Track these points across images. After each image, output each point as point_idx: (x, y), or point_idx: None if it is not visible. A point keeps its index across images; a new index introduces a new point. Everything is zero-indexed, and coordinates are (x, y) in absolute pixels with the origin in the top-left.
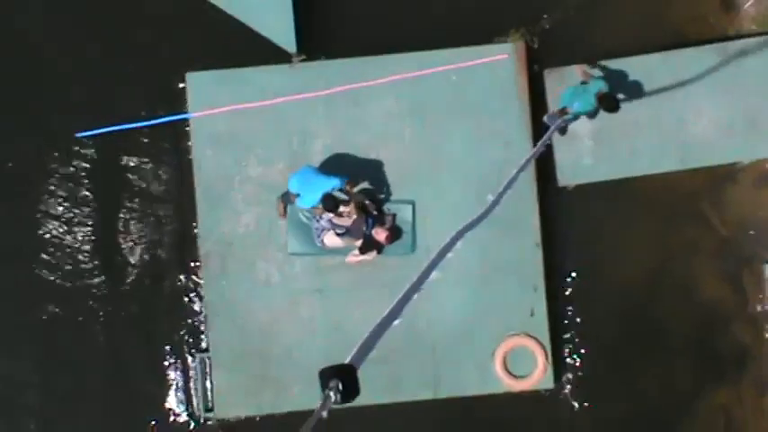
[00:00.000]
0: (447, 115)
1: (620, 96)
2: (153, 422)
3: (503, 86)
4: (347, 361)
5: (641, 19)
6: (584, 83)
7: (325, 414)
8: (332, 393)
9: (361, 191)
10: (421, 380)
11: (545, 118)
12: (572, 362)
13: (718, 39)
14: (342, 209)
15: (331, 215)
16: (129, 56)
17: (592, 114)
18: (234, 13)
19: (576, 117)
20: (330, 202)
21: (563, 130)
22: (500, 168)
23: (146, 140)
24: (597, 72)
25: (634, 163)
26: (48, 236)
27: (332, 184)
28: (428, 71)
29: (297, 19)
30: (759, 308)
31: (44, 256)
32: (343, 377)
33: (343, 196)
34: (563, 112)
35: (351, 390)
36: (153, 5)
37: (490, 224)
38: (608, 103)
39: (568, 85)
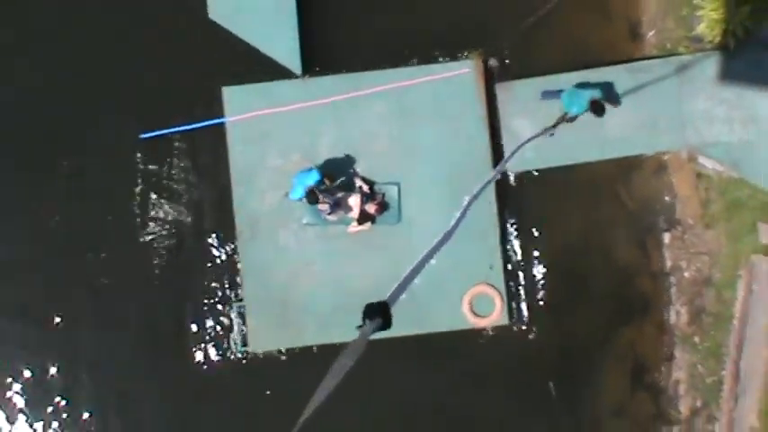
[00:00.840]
0: (423, 117)
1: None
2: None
3: (466, 94)
4: (386, 298)
5: (571, 44)
6: (578, 86)
7: (366, 339)
8: (372, 325)
9: (356, 175)
10: (406, 320)
11: (546, 130)
12: (521, 305)
13: (629, 60)
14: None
15: (327, 202)
16: (174, 74)
17: (572, 119)
18: (254, 43)
19: (573, 119)
20: (312, 198)
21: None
22: (464, 157)
23: (192, 140)
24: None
25: (566, 154)
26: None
27: (312, 178)
28: (408, 83)
29: (301, 45)
30: (659, 266)
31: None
32: (378, 314)
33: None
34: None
35: (386, 322)
36: (192, 35)
37: (459, 201)
38: (597, 108)
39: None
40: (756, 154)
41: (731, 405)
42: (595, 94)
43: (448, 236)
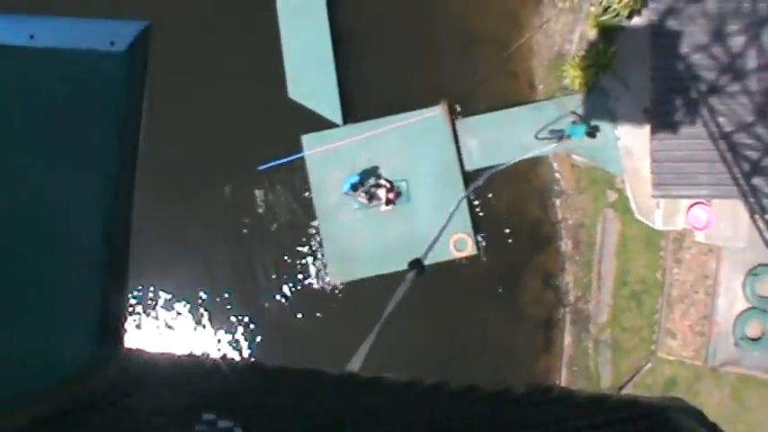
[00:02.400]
0: (417, 141)
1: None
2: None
3: (439, 127)
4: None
5: (496, 94)
6: (574, 122)
7: (411, 280)
8: (414, 274)
9: (382, 177)
10: (416, 255)
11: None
12: (481, 244)
13: (528, 101)
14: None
15: (366, 195)
16: (273, 131)
17: (562, 137)
18: (316, 110)
19: (567, 138)
20: (356, 185)
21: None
22: (442, 163)
23: (285, 169)
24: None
25: (499, 158)
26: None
27: (352, 179)
28: (405, 122)
29: (342, 108)
30: (554, 218)
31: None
32: (417, 264)
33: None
34: (561, 137)
35: (422, 271)
36: (281, 107)
37: (443, 185)
38: (592, 135)
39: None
40: (602, 152)
41: (597, 293)
42: (585, 126)
43: (450, 217)
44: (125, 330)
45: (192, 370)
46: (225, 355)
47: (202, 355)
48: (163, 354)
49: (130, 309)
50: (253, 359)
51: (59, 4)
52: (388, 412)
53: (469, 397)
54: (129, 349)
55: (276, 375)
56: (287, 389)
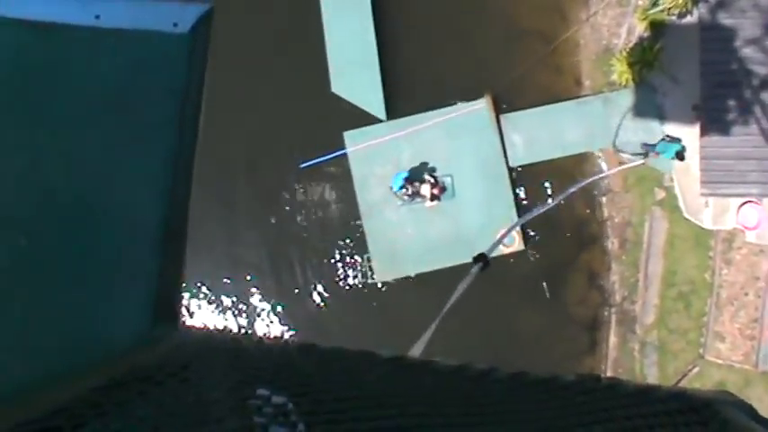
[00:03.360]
0: (461, 135)
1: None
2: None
3: (484, 121)
4: (486, 251)
5: (542, 89)
6: (665, 139)
7: (475, 274)
8: (478, 268)
9: (426, 172)
10: (463, 251)
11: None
12: (529, 239)
13: (576, 96)
14: (410, 188)
15: (409, 192)
16: (316, 128)
17: (649, 153)
18: (359, 105)
19: (655, 154)
20: (405, 183)
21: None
22: (487, 158)
23: (331, 165)
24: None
25: (543, 154)
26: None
27: (402, 176)
28: (448, 116)
29: (385, 103)
30: (601, 216)
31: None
32: (481, 259)
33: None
34: (656, 153)
35: (486, 266)
36: (325, 102)
37: (488, 180)
38: (681, 156)
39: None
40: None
41: (643, 293)
42: (678, 147)
43: (514, 226)
44: (181, 307)
45: (246, 347)
46: (277, 336)
47: (254, 334)
48: (217, 331)
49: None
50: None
51: None
52: (434, 394)
53: (519, 382)
54: (185, 325)
55: (328, 356)
56: (338, 368)
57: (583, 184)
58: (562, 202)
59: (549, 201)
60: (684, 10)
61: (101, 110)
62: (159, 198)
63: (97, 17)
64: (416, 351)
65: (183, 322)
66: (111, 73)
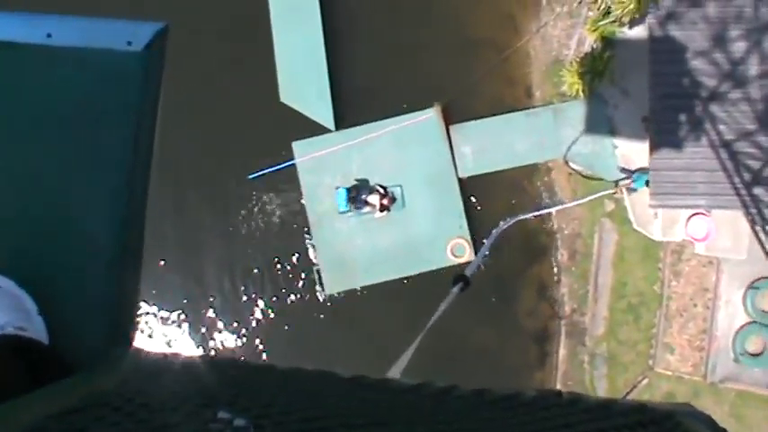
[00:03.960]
0: (410, 145)
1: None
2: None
3: (433, 131)
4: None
5: (493, 99)
6: (640, 172)
7: (456, 294)
8: (457, 288)
9: (375, 183)
10: (418, 263)
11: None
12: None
13: (526, 107)
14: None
15: (357, 204)
16: (266, 137)
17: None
18: (309, 115)
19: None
20: (349, 196)
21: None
22: (436, 168)
23: (280, 175)
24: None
25: (492, 164)
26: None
27: (343, 194)
28: (399, 126)
29: (334, 112)
30: (550, 227)
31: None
32: (461, 279)
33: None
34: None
35: (466, 287)
36: (276, 112)
37: (438, 190)
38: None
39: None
40: (600, 160)
41: (593, 305)
42: (646, 177)
43: (486, 247)
44: (136, 329)
45: (202, 368)
46: (230, 353)
47: (208, 353)
48: (173, 353)
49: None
50: (263, 359)
51: (78, 2)
52: (397, 413)
53: (482, 399)
54: (140, 349)
55: (287, 376)
56: (298, 389)
57: (557, 208)
58: (531, 216)
59: (519, 216)
60: (636, 17)
61: (54, 129)
62: (113, 219)
63: (49, 36)
64: (395, 372)
65: (138, 345)
66: (64, 92)
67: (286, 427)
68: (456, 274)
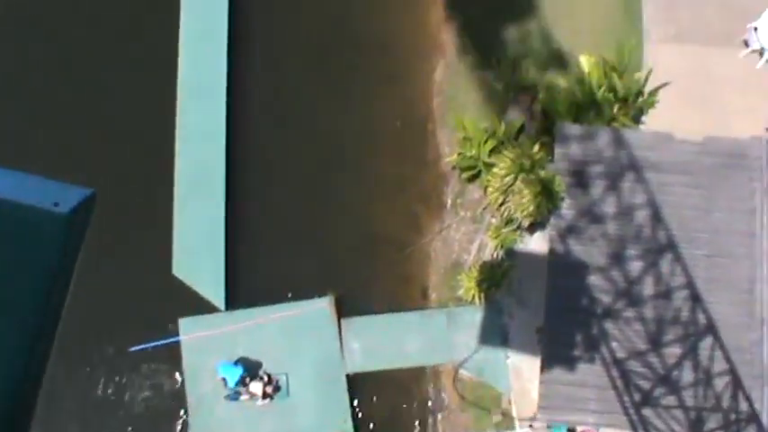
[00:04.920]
0: (301, 332)
1: None
2: None
3: (325, 320)
4: None
5: (388, 296)
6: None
7: None
8: None
9: (261, 369)
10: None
11: None
12: None
13: (421, 308)
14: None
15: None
16: (152, 309)
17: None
18: (193, 286)
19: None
20: (245, 380)
21: None
22: (324, 358)
23: (162, 351)
24: None
25: (383, 363)
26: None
27: (239, 372)
28: (290, 312)
29: (225, 293)
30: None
31: None
32: None
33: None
34: None
35: None
36: (166, 287)
37: (324, 382)
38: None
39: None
40: (491, 368)
41: None
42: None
43: None
44: None
45: None
46: None
47: None
48: None
49: None
50: None
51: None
52: None
53: None
54: None
55: None
56: None
57: None
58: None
59: None
60: (537, 220)
61: None
62: (10, 374)
63: None
64: None
65: None
66: None
67: None
68: None
